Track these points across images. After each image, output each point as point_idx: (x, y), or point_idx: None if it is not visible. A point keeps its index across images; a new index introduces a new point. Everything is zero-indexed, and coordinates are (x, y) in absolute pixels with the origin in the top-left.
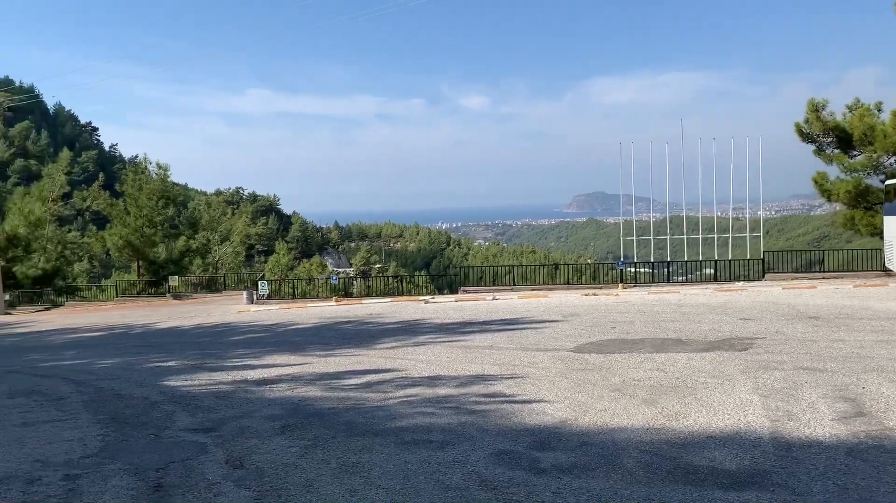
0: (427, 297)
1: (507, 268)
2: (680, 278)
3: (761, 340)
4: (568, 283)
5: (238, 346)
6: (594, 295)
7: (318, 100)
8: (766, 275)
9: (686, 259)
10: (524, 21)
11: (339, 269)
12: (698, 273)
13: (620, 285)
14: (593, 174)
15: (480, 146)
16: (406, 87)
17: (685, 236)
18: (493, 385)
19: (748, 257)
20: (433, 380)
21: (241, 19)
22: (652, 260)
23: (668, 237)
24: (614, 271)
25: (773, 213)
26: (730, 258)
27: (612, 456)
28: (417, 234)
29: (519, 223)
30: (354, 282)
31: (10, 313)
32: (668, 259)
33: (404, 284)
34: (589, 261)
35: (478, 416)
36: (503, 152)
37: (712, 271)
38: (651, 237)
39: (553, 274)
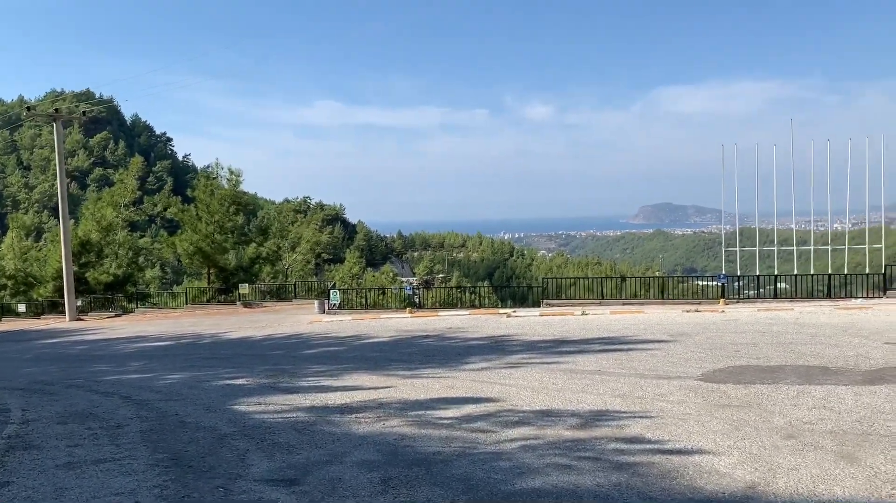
0: (508, 311)
1: (588, 280)
2: (749, 293)
3: None
4: (662, 298)
5: (313, 362)
6: (696, 311)
7: (385, 111)
8: (888, 293)
9: (761, 273)
10: (589, 29)
11: (403, 279)
12: (770, 288)
13: (722, 301)
14: (661, 185)
15: (544, 156)
16: (470, 97)
17: (800, 248)
18: (627, 426)
19: (867, 271)
20: (548, 416)
21: (312, 34)
22: (738, 273)
23: (774, 248)
24: (682, 284)
25: (852, 225)
26: (845, 272)
27: None
28: (480, 243)
29: (583, 234)
30: (417, 291)
31: (81, 319)
32: (775, 273)
33: (467, 295)
34: (657, 273)
35: (631, 474)
36: (568, 162)
37: (786, 286)
38: (757, 248)
39: (644, 287)
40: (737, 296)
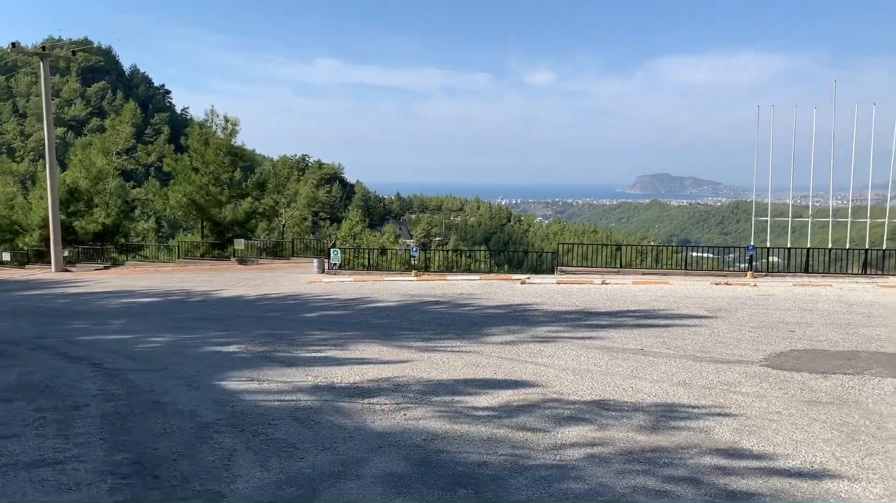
0: (522, 277)
1: (605, 247)
2: (732, 267)
3: None
4: (686, 269)
5: (313, 327)
6: (726, 284)
7: (386, 71)
8: None
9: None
10: None
11: (402, 240)
12: (763, 261)
13: (749, 273)
14: (659, 155)
15: (544, 122)
16: (472, 60)
17: (838, 219)
18: (709, 428)
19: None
20: (604, 409)
21: None
22: (768, 245)
23: (809, 220)
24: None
25: (842, 202)
26: (877, 247)
27: None
28: (478, 208)
29: (580, 202)
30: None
31: (68, 270)
32: (808, 246)
33: (464, 259)
34: (652, 243)
35: None
36: (567, 129)
37: (777, 259)
38: (789, 219)
39: (664, 256)
40: (765, 271)
